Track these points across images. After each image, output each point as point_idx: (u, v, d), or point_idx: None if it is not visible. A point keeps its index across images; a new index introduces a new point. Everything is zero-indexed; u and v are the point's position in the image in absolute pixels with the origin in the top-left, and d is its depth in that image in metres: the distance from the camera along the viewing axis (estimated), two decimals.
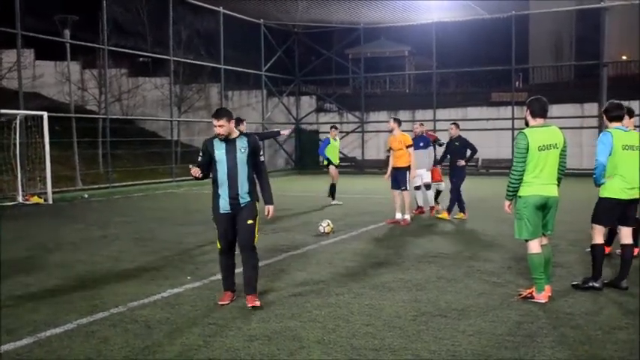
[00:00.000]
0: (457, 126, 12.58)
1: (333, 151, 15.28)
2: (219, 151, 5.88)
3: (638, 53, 28.79)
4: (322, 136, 30.18)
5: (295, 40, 31.20)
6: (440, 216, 12.37)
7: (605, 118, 6.71)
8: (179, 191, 19.82)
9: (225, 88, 27.42)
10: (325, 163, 15.39)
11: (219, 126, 5.79)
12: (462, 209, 12.29)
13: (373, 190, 17.81)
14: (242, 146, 5.89)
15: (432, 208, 12.93)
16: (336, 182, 15.06)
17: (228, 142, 5.89)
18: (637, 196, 6.49)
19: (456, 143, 12.37)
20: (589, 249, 8.45)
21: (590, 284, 6.43)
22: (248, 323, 5.43)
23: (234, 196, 5.87)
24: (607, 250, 8.31)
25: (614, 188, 6.42)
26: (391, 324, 5.38)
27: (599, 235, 6.58)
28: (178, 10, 25.74)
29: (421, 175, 12.56)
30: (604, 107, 6.82)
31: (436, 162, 13.04)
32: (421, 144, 12.64)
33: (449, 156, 12.53)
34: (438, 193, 13.24)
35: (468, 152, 12.21)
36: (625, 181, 6.39)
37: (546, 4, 30.79)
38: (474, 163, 25.92)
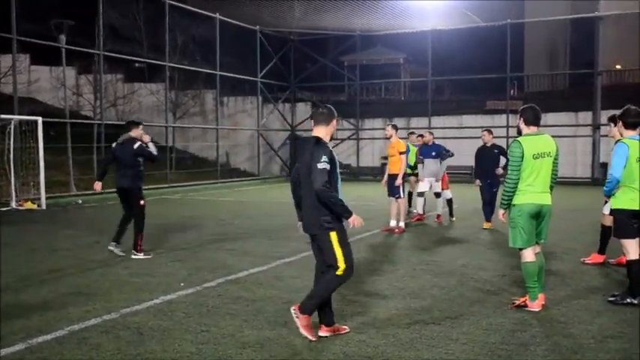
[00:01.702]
0: (490, 132, 12.08)
1: None
2: None
3: (632, 62, 28.94)
4: None
5: (291, 47, 31.26)
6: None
7: (620, 124, 6.42)
8: (173, 197, 19.77)
9: (220, 95, 27.45)
10: None
11: None
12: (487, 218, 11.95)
13: (368, 198, 17.80)
14: None
15: (438, 215, 12.99)
16: None
17: None
18: None
19: (495, 151, 11.89)
20: (583, 258, 8.51)
21: (629, 300, 6.18)
22: (240, 330, 5.41)
23: None
24: (601, 258, 8.35)
25: (626, 199, 6.25)
26: (384, 332, 5.37)
27: (631, 249, 6.25)
28: (174, 16, 25.75)
29: (430, 182, 12.69)
30: (621, 111, 6.48)
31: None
32: (433, 153, 12.73)
33: (484, 163, 11.94)
34: (449, 201, 13.22)
35: (502, 160, 11.43)
36: (636, 192, 6.21)
37: (541, 12, 30.97)
38: (468, 172, 26.11)
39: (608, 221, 7.68)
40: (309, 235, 5.30)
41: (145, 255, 8.88)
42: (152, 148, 9.16)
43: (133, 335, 5.31)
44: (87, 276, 7.69)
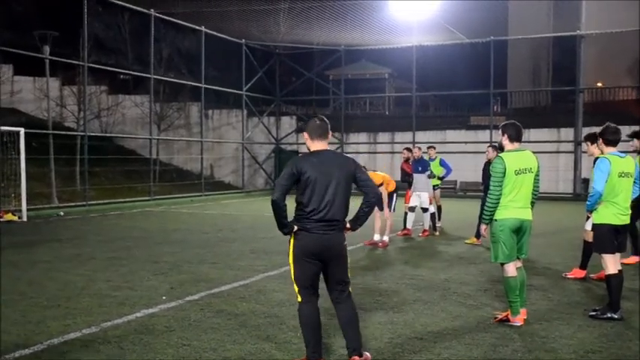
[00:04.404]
0: (495, 148, 11.57)
1: None
2: None
3: (613, 80, 29.42)
4: None
5: (276, 61, 31.35)
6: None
7: (601, 141, 6.51)
8: (157, 210, 19.65)
9: (205, 107, 27.39)
10: None
11: None
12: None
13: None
14: None
15: (424, 230, 13.04)
16: None
17: None
18: (627, 222, 6.43)
19: None
20: (565, 273, 8.58)
21: (609, 315, 6.22)
22: (223, 345, 5.38)
23: None
24: (582, 273, 8.42)
25: (608, 214, 6.33)
26: (367, 346, 5.35)
27: (610, 264, 6.32)
28: (160, 29, 25.75)
29: (419, 196, 12.77)
30: (600, 129, 6.57)
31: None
32: (419, 168, 12.83)
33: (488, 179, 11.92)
34: (432, 215, 13.26)
35: None
36: (618, 207, 6.32)
37: (524, 30, 31.38)
38: (452, 186, 26.25)
39: (590, 237, 7.65)
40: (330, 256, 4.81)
41: None
42: None
43: (114, 349, 5.25)
44: (67, 289, 7.60)
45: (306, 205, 4.65)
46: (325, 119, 4.93)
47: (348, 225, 4.87)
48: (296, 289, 4.78)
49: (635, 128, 10.32)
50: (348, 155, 5.06)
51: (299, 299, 4.77)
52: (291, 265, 4.77)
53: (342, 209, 4.78)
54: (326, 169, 4.68)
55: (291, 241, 4.73)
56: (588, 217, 7.91)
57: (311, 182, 4.63)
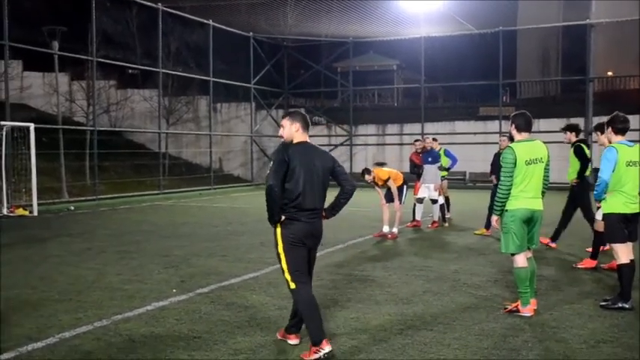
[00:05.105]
0: (510, 138, 11.87)
1: None
2: None
3: (623, 69, 29.14)
4: None
5: (284, 54, 31.30)
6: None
7: (610, 130, 6.48)
8: (166, 203, 19.72)
9: (214, 101, 27.41)
10: None
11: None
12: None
13: (360, 203, 17.78)
14: None
15: (433, 222, 13.00)
16: None
17: None
18: (638, 210, 6.36)
19: None
20: (575, 264, 8.54)
21: (620, 305, 6.21)
22: (233, 337, 5.40)
23: None
24: (593, 263, 8.38)
25: (616, 203, 6.31)
26: (377, 337, 5.36)
27: (621, 253, 6.30)
28: (168, 23, 25.75)
29: (428, 188, 12.75)
30: (609, 118, 6.55)
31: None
32: (429, 159, 12.80)
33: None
34: (442, 206, 13.21)
35: None
36: (626, 196, 6.28)
37: (533, 19, 31.13)
38: (461, 177, 26.15)
39: (601, 227, 7.69)
40: (314, 242, 5.06)
41: None
42: None
43: (125, 342, 5.28)
44: (78, 283, 7.65)
45: (293, 193, 4.82)
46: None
47: (323, 213, 5.09)
48: (289, 277, 4.92)
49: None
50: (325, 150, 5.31)
51: (293, 286, 4.91)
52: (283, 254, 4.92)
53: (322, 198, 5.03)
54: (310, 159, 4.94)
55: (278, 231, 4.90)
56: (599, 207, 7.88)
57: (297, 171, 4.83)
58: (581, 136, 9.99)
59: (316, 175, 4.91)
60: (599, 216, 7.97)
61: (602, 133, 7.22)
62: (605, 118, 6.80)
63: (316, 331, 4.79)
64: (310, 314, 4.84)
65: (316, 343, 4.75)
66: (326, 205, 5.13)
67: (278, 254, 4.95)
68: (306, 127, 5.04)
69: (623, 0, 26.90)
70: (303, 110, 5.19)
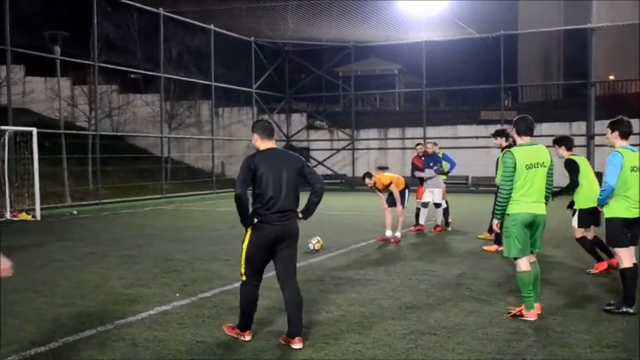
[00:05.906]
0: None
1: None
2: None
3: (625, 73, 29.13)
4: (312, 153, 30.29)
5: (286, 58, 31.35)
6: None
7: (616, 133, 6.41)
8: (169, 208, 19.73)
9: (215, 105, 27.45)
10: None
11: None
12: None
13: (363, 208, 17.81)
14: None
15: (436, 226, 12.97)
16: None
17: None
18: (639, 215, 6.31)
19: None
20: (588, 269, 8.42)
21: (624, 309, 6.17)
22: (236, 341, 5.39)
23: None
24: (603, 265, 8.29)
25: (619, 208, 6.28)
26: (380, 342, 5.35)
27: (624, 258, 6.29)
28: (169, 27, 25.82)
29: (432, 192, 12.73)
30: (613, 120, 6.50)
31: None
32: (431, 164, 12.78)
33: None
34: (445, 211, 13.19)
35: None
36: (629, 201, 6.26)
37: (535, 23, 31.15)
38: (463, 181, 26.14)
39: (579, 233, 8.21)
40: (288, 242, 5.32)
41: None
42: None
43: (128, 347, 5.28)
44: (81, 287, 7.65)
45: (264, 196, 5.15)
46: (270, 122, 5.63)
47: (300, 215, 5.37)
48: (243, 270, 5.35)
49: None
50: (294, 153, 5.70)
51: (244, 279, 5.35)
52: (244, 249, 5.29)
53: (293, 200, 5.28)
54: (276, 164, 5.23)
55: (249, 233, 5.27)
56: (574, 213, 8.16)
57: (265, 176, 5.15)
58: (510, 141, 10.00)
59: (285, 178, 5.19)
60: (574, 223, 8.16)
61: (613, 131, 6.81)
62: (608, 122, 6.74)
63: (245, 323, 5.36)
64: (246, 309, 5.34)
65: (242, 330, 5.37)
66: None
67: (241, 249, 5.33)
68: (266, 134, 5.36)
69: (624, 0, 26.93)
70: (266, 117, 5.41)
